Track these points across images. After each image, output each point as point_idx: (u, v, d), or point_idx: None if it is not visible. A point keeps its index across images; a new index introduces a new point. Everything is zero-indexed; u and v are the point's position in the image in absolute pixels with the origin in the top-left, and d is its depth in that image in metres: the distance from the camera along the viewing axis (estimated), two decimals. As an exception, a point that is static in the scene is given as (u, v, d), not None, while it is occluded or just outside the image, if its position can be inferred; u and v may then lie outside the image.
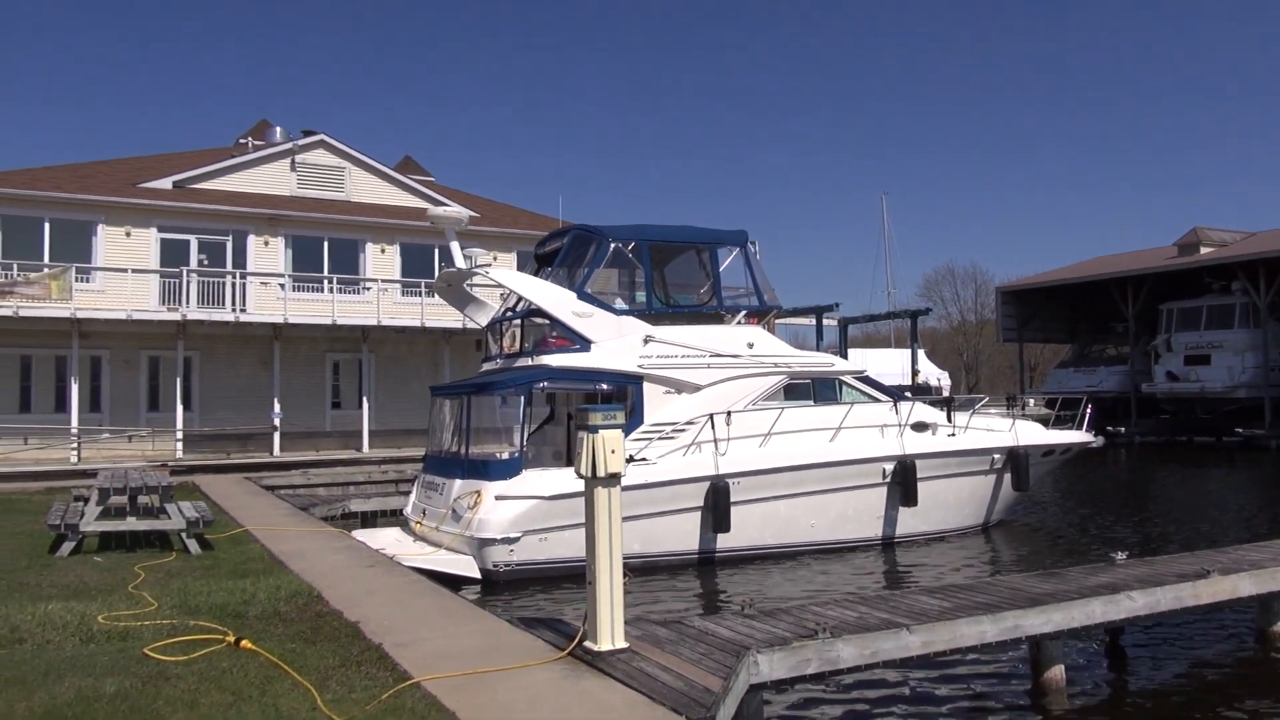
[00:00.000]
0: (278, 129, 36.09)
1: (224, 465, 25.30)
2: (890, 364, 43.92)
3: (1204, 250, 43.87)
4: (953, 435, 16.95)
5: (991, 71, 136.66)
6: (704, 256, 16.49)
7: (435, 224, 15.58)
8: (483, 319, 17.38)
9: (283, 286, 28.33)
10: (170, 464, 24.46)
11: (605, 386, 14.98)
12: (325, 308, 28.13)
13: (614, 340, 14.96)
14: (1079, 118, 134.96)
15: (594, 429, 6.71)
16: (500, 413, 14.40)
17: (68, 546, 11.32)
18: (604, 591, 6.69)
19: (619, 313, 15.31)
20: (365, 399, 28.86)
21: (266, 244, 29.71)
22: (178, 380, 26.44)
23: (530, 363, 14.88)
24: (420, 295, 29.59)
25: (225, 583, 9.69)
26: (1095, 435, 19.80)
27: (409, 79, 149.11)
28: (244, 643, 7.27)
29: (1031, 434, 18.01)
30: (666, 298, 16.82)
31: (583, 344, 14.83)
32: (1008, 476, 17.54)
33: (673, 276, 17.34)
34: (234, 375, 28.52)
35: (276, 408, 27.53)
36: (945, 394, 52.22)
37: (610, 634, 6.72)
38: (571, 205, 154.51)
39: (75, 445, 25.26)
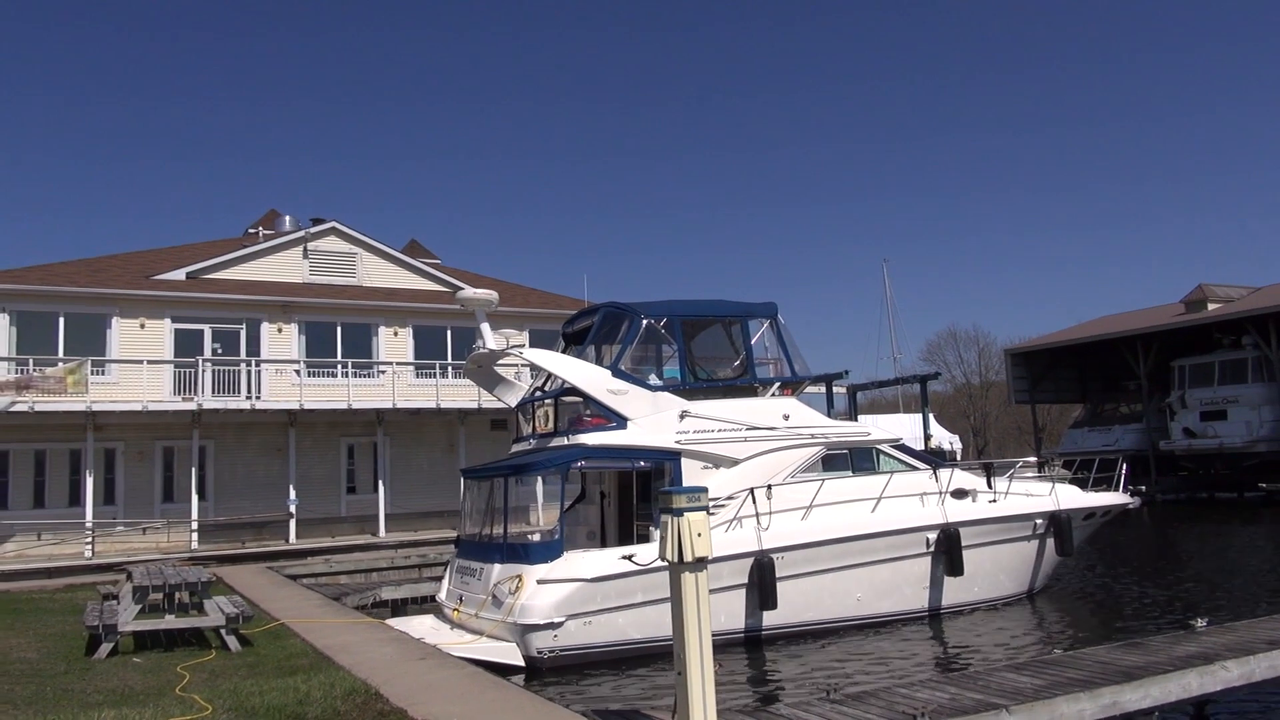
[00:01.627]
0: (287, 218, 36.43)
1: (241, 555, 24.88)
2: (900, 429, 43.57)
3: (1211, 306, 44.02)
4: (994, 501, 16.67)
5: (988, 133, 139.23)
6: (734, 329, 16.42)
7: (465, 306, 15.53)
8: (512, 399, 17.22)
9: (298, 373, 28.25)
10: (186, 556, 24.10)
11: (643, 464, 14.77)
12: (340, 392, 28.02)
13: (650, 417, 14.79)
14: (1075, 180, 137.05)
15: (678, 512, 6.50)
16: (539, 494, 14.14)
17: (105, 648, 10.97)
18: (695, 681, 6.41)
19: (654, 389, 15.17)
20: (381, 483, 28.55)
21: (280, 331, 29.70)
22: (193, 470, 26.20)
23: (566, 442, 14.68)
24: (435, 377, 29.53)
25: (275, 681, 9.34)
26: (1131, 496, 19.50)
27: (410, 163, 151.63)
28: (311, 748, 6.94)
29: (1072, 497, 17.72)
30: (694, 371, 16.70)
31: (619, 421, 14.65)
32: (1050, 541, 17.20)
33: (700, 350, 17.24)
34: (248, 463, 28.28)
35: (292, 494, 27.21)
36: (958, 458, 51.87)
37: (704, 725, 6.41)
38: (568, 277, 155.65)
39: (90, 540, 24.88)
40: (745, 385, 16.07)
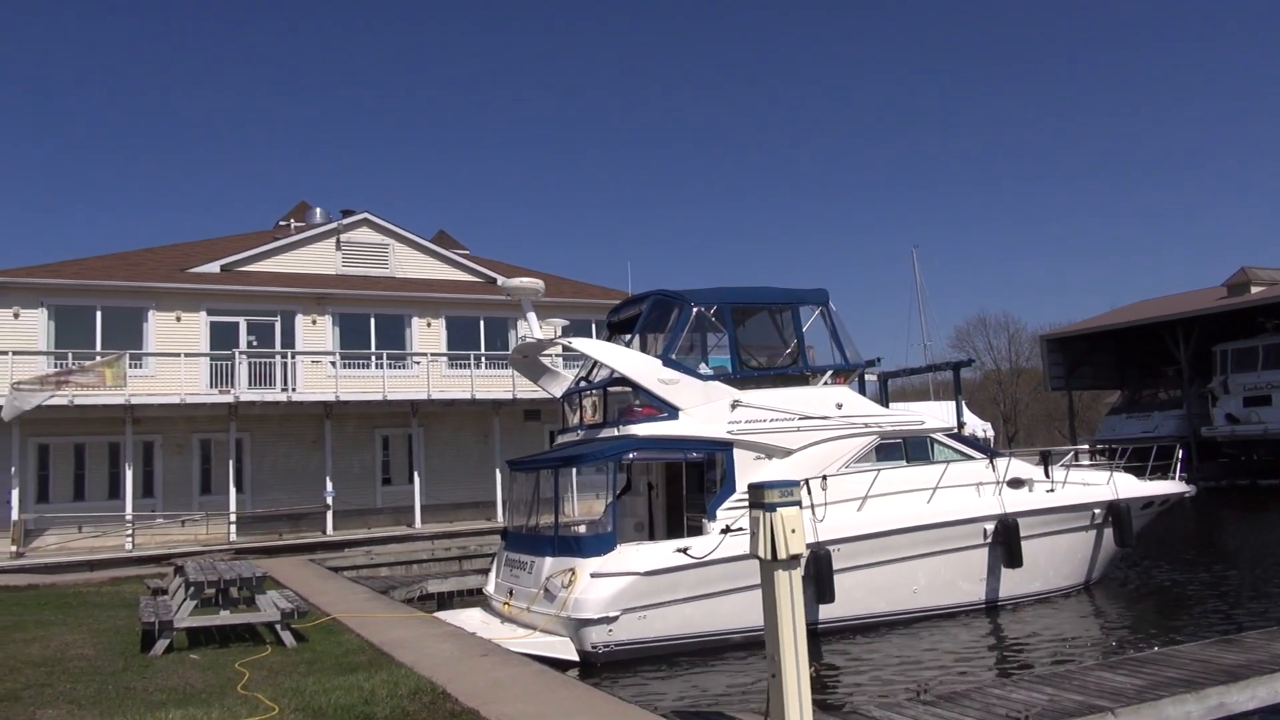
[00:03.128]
0: (317, 210, 36.38)
1: (279, 547, 24.86)
2: (932, 417, 43.06)
3: (1255, 290, 43.16)
4: (1051, 490, 16.27)
5: (1018, 116, 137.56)
6: (785, 317, 16.09)
7: (511, 295, 15.28)
8: (557, 390, 16.97)
9: (333, 364, 28.19)
10: (225, 548, 24.10)
11: (696, 455, 14.49)
12: (374, 384, 27.90)
13: (701, 407, 14.50)
14: (1109, 164, 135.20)
15: (771, 507, 6.22)
16: (591, 485, 13.90)
17: (161, 644, 10.83)
18: (791, 682, 6.13)
19: (705, 378, 14.87)
20: (416, 474, 28.44)
21: (314, 323, 29.62)
22: (230, 462, 26.18)
23: (617, 433, 14.41)
24: (470, 367, 29.38)
25: (336, 679, 9.16)
26: (1189, 484, 19.02)
27: (438, 154, 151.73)
28: (388, 751, 6.73)
29: (1130, 486, 17.29)
30: (744, 360, 16.38)
31: (670, 412, 14.37)
32: (1108, 531, 16.79)
33: (748, 338, 16.91)
34: (285, 455, 28.26)
35: (329, 486, 27.16)
36: (991, 445, 51.20)
37: (801, 730, 6.14)
38: (590, 266, 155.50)
39: (130, 532, 24.91)
40: (797, 374, 15.74)
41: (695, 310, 15.08)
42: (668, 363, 14.62)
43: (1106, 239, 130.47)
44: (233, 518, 26.08)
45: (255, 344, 28.45)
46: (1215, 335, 44.45)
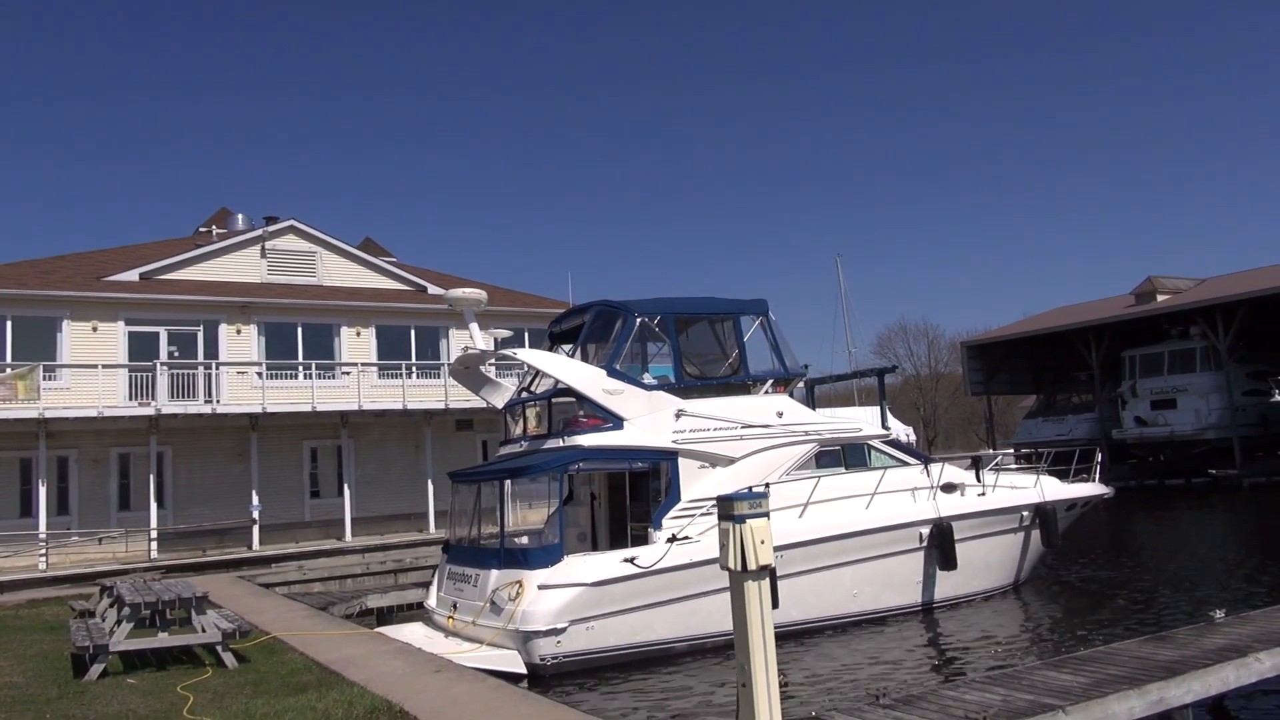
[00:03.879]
0: (239, 216, 35.54)
1: (204, 563, 24.17)
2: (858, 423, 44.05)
3: (1160, 298, 45.14)
4: (982, 494, 16.77)
5: (938, 125, 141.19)
6: (726, 326, 16.28)
7: (454, 306, 15.15)
8: (498, 401, 16.86)
9: (259, 375, 27.52)
10: (146, 566, 23.32)
11: (641, 465, 14.57)
12: (303, 395, 27.32)
13: (646, 417, 14.58)
14: (1020, 173, 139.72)
15: (740, 519, 6.32)
16: (536, 497, 13.85)
17: (96, 669, 10.44)
18: (761, 693, 6.23)
19: (649, 388, 14.95)
20: (346, 486, 27.94)
21: (239, 332, 28.88)
22: (151, 477, 25.37)
23: (562, 443, 14.40)
24: (400, 377, 29.01)
25: (286, 700, 8.96)
26: (1107, 487, 19.81)
27: (362, 160, 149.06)
28: (354, 773, 6.63)
29: (1055, 489, 17.93)
30: (685, 369, 16.51)
31: (615, 422, 14.42)
32: (1036, 533, 17.38)
33: (687, 348, 17.05)
34: (209, 469, 27.48)
35: (255, 500, 26.49)
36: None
37: (772, 739, 6.24)
38: (524, 272, 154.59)
39: (44, 551, 23.93)
40: (739, 383, 15.94)
41: (639, 320, 15.16)
42: (612, 373, 14.67)
43: (1018, 246, 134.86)
44: (154, 534, 25.26)
45: (177, 355, 27.62)
46: (1124, 341, 46.35)
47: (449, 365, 17.29)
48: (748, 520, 6.30)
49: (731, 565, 6.28)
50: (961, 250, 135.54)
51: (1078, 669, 8.14)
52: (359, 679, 9.74)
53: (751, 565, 6.25)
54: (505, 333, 16.75)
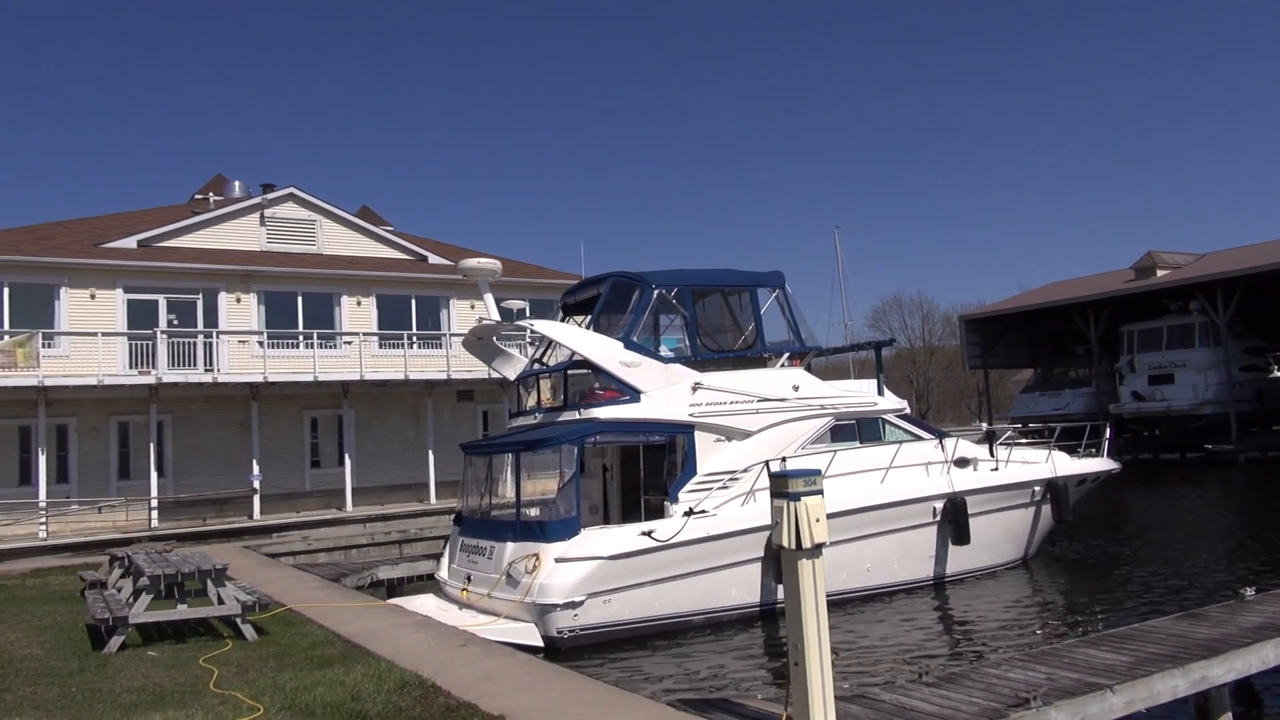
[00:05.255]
0: (236, 183, 35.11)
1: (204, 533, 24.08)
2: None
3: (1160, 273, 45.12)
4: (995, 470, 16.74)
5: (937, 102, 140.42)
6: (743, 299, 16.12)
7: (468, 276, 14.94)
8: (511, 372, 16.69)
9: (260, 344, 27.27)
10: (147, 534, 23.21)
11: (658, 438, 14.45)
12: (304, 364, 27.12)
13: (662, 389, 14.44)
14: (1019, 147, 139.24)
15: (795, 496, 6.20)
16: (552, 469, 13.73)
17: (116, 641, 10.31)
18: (815, 672, 6.15)
19: (666, 361, 14.81)
20: (347, 456, 27.82)
21: (239, 301, 28.59)
22: (151, 446, 25.22)
23: (578, 416, 14.26)
24: (402, 347, 28.79)
25: (313, 674, 8.87)
26: (1116, 462, 19.81)
27: (360, 127, 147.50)
28: (398, 750, 6.54)
29: (1067, 464, 17.91)
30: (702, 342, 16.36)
31: (632, 394, 14.28)
32: (1047, 508, 17.38)
33: (702, 320, 16.90)
34: (209, 438, 27.29)
35: (255, 469, 26.39)
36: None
37: (824, 718, 6.17)
38: (517, 243, 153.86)
39: (44, 520, 23.78)
40: (755, 356, 15.80)
41: (656, 292, 14.98)
42: (629, 345, 14.51)
43: (1022, 221, 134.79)
44: (154, 503, 25.15)
45: (176, 323, 27.34)
46: (1123, 316, 46.36)
47: (463, 337, 17.03)
48: (802, 498, 6.18)
49: (786, 543, 6.17)
50: (957, 224, 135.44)
51: (1118, 647, 8.10)
52: (384, 653, 9.65)
53: (806, 543, 6.14)
54: (522, 303, 16.56)
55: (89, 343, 24.94)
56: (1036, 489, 17.15)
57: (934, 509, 15.67)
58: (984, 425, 49.01)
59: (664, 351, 15.12)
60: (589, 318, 15.66)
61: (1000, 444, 17.93)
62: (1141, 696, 7.06)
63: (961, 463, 16.46)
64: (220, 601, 10.87)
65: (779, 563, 13.58)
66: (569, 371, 14.83)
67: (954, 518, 15.69)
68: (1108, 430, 20.02)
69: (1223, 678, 7.64)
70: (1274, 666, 8.11)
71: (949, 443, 16.42)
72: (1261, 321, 44.59)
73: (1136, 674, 7.22)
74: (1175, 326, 43.68)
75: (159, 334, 25.27)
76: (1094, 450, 19.49)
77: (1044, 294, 53.66)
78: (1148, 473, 39.51)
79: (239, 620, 10.88)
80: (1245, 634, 8.28)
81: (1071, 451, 18.98)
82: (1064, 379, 50.58)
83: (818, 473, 6.43)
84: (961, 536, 15.70)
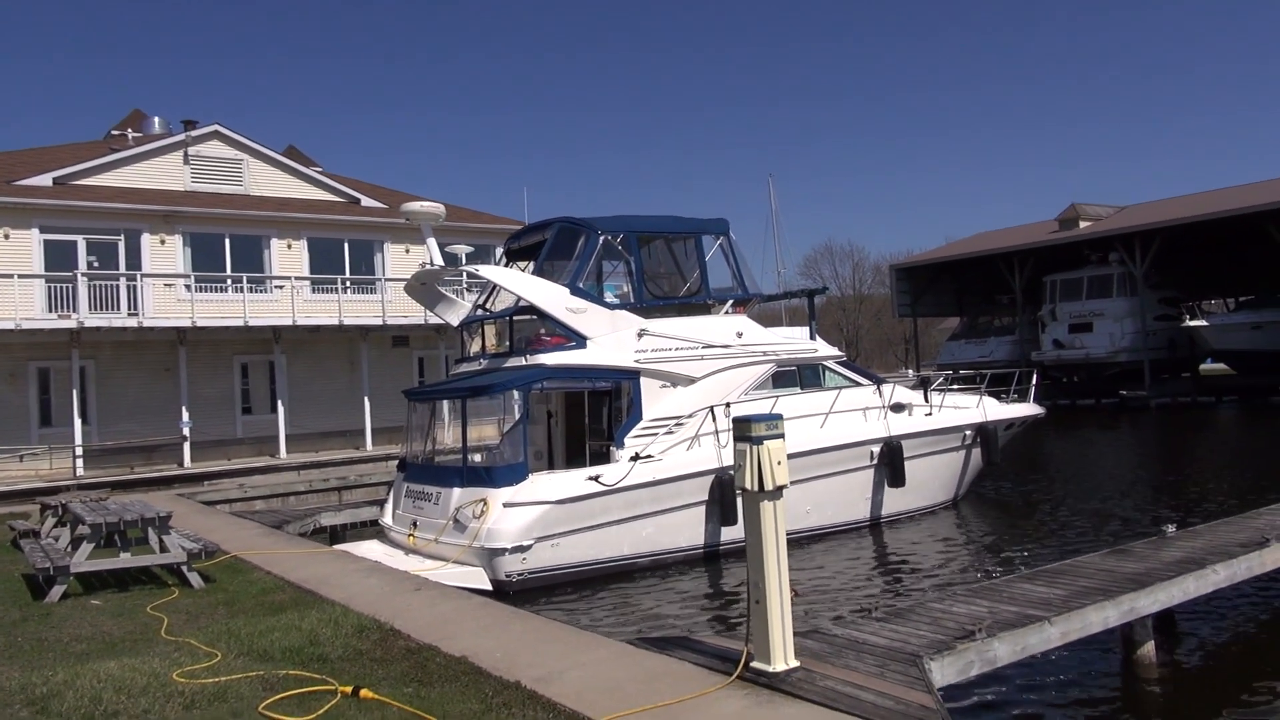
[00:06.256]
0: (155, 120, 33.78)
1: (133, 480, 23.57)
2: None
3: (1083, 224, 46.42)
4: (929, 415, 17.24)
5: (867, 55, 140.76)
6: (688, 246, 16.17)
7: (411, 220, 14.68)
8: (454, 318, 16.54)
9: (187, 287, 26.48)
10: (73, 482, 22.62)
11: (604, 384, 14.54)
12: (233, 309, 26.46)
13: (609, 336, 14.49)
14: (948, 95, 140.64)
15: (758, 440, 6.35)
16: (499, 415, 13.74)
17: (57, 590, 10.12)
18: (775, 609, 6.36)
19: (612, 307, 14.84)
20: (280, 402, 27.35)
21: (163, 242, 27.67)
22: (74, 392, 24.44)
23: (525, 362, 14.25)
24: (336, 292, 28.23)
25: (266, 620, 8.84)
26: (1041, 407, 20.56)
27: (279, 60, 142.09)
28: (363, 691, 6.60)
29: (996, 409, 18.54)
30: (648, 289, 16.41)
31: (578, 341, 14.30)
32: (977, 451, 18.01)
33: (647, 266, 16.92)
34: (135, 384, 26.55)
35: (185, 416, 25.76)
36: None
37: (784, 653, 6.40)
38: (448, 184, 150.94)
39: (-39, 470, 22.99)
40: (700, 303, 15.93)
41: (602, 238, 14.94)
42: (575, 291, 14.50)
43: (951, 170, 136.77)
44: (79, 451, 24.45)
45: (97, 265, 26.35)
46: (1047, 266, 47.70)
47: (405, 282, 16.79)
48: (765, 441, 6.33)
49: (748, 485, 6.32)
50: (885, 172, 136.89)
51: (1052, 581, 8.52)
52: (338, 598, 9.65)
53: (769, 485, 6.30)
54: (468, 248, 16.36)
55: (4, 285, 23.92)
56: (968, 433, 17.74)
57: (871, 452, 16.12)
58: (911, 373, 50.32)
59: (609, 298, 15.13)
60: (533, 263, 15.59)
61: (934, 390, 18.46)
62: (1076, 627, 7.47)
63: (897, 408, 16.91)
64: (164, 549, 10.70)
65: (724, 506, 14.01)
66: (514, 318, 14.78)
67: (890, 461, 16.17)
68: (1034, 377, 20.73)
69: (1149, 609, 8.11)
70: (1194, 598, 8.64)
71: (886, 389, 16.86)
72: (1176, 273, 46.29)
73: (1071, 606, 7.62)
74: (1095, 277, 45.12)
75: (79, 276, 24.35)
76: (1020, 396, 20.19)
77: (972, 244, 54.84)
78: (1065, 418, 41.05)
79: (185, 568, 10.74)
80: (1168, 568, 8.77)
81: (1000, 397, 19.63)
82: (989, 327, 51.99)
83: (780, 417, 6.59)
84: (897, 479, 16.20)
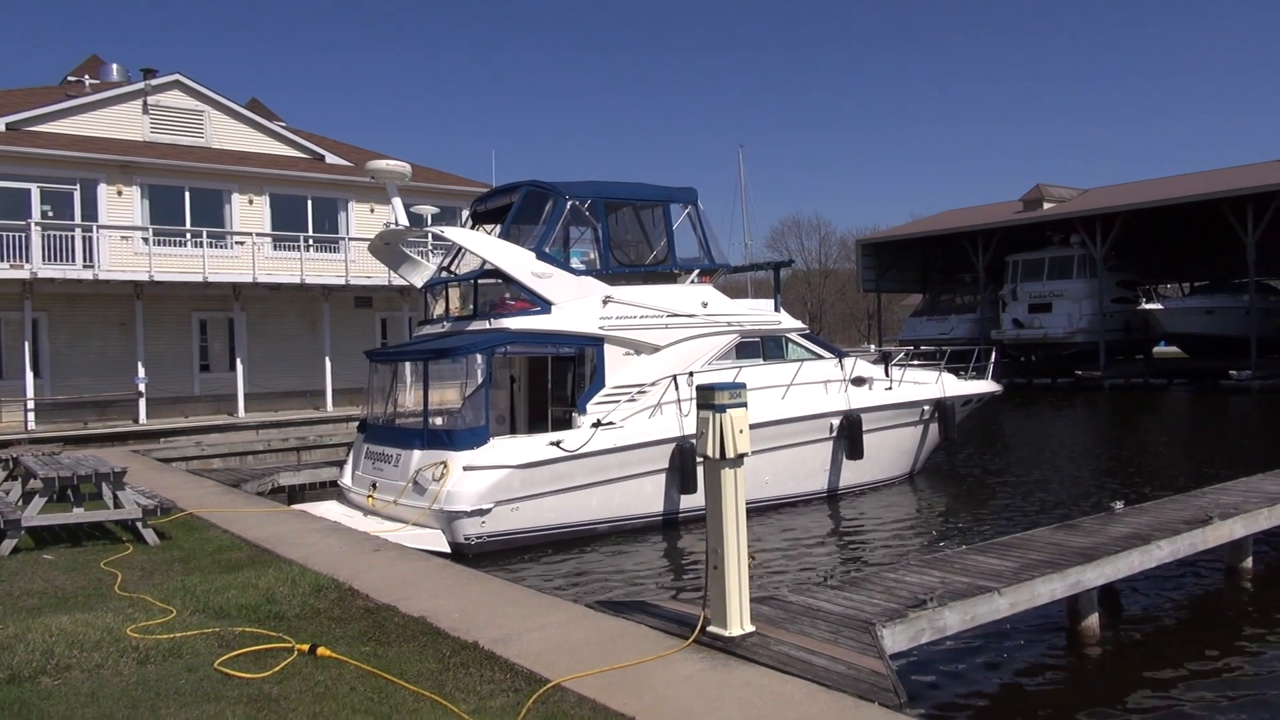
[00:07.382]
0: (114, 67, 32.94)
1: (86, 436, 23.19)
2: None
3: (1046, 206, 46.95)
4: (889, 389, 17.45)
5: (841, 31, 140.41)
6: (655, 214, 16.13)
7: (376, 178, 14.49)
8: (418, 279, 16.41)
9: (145, 241, 25.97)
10: (24, 437, 22.25)
11: (567, 350, 14.53)
12: (193, 263, 26.05)
13: (574, 302, 14.46)
14: (918, 78, 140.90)
15: (721, 408, 6.40)
16: (461, 378, 13.68)
17: (8, 545, 9.99)
18: (733, 574, 6.45)
19: (577, 273, 14.80)
20: (239, 360, 27.03)
21: (120, 194, 27.06)
22: (25, 344, 23.96)
23: (488, 325, 14.19)
24: (299, 249, 27.84)
25: (224, 578, 8.80)
26: (999, 385, 20.87)
27: (245, 14, 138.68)
28: (321, 650, 6.61)
29: (954, 385, 18.80)
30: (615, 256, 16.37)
31: (543, 306, 14.26)
32: (934, 426, 18.27)
33: (614, 233, 16.87)
34: (90, 338, 26.08)
35: (141, 371, 25.39)
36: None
37: (740, 618, 6.50)
38: (414, 143, 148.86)
39: (-91, 422, 22.50)
40: (666, 272, 15.93)
41: (570, 203, 14.86)
42: (541, 256, 14.43)
43: (920, 148, 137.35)
44: (30, 404, 24.03)
45: (51, 215, 25.75)
46: (1011, 246, 48.24)
47: (369, 241, 16.58)
48: (728, 410, 6.38)
49: (710, 453, 6.38)
50: (854, 148, 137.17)
51: (1003, 554, 8.71)
52: (296, 557, 9.63)
53: (730, 453, 6.37)
54: (434, 209, 16.19)
55: (-44, 232, 23.34)
56: (926, 408, 17.98)
57: (831, 425, 16.29)
58: (873, 347, 50.73)
59: (575, 264, 15.08)
60: (500, 226, 15.48)
61: (894, 365, 18.66)
62: (1024, 598, 7.66)
63: (858, 381, 17.09)
64: (119, 505, 10.58)
65: (684, 474, 14.11)
66: (479, 281, 14.69)
67: (850, 433, 16.36)
68: (993, 354, 21.03)
69: (1094, 582, 8.32)
70: (1138, 572, 8.87)
71: (847, 362, 17.01)
72: (1135, 256, 47.04)
73: (1020, 578, 7.81)
74: (1056, 258, 45.73)
75: (32, 225, 23.78)
76: (979, 373, 20.48)
77: (938, 221, 55.27)
78: (1022, 396, 41.75)
79: (139, 524, 10.63)
80: (1115, 543, 9.00)
81: (959, 374, 19.90)
82: (951, 305, 52.56)
83: (743, 386, 6.64)
84: (856, 451, 16.41)
